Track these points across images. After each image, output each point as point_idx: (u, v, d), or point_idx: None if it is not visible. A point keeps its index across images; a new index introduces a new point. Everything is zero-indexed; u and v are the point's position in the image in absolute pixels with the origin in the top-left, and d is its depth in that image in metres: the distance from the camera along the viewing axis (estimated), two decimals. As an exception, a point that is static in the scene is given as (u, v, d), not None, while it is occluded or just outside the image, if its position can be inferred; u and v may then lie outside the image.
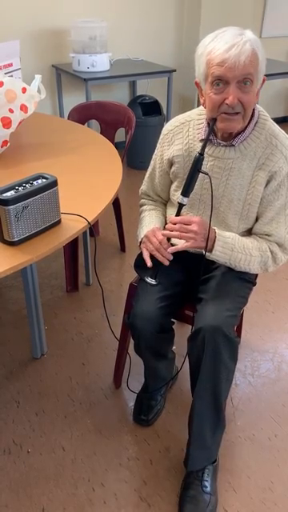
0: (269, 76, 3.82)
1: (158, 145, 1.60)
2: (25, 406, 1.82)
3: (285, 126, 5.10)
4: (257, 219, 1.49)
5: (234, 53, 1.21)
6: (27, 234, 1.30)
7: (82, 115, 2.68)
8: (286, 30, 4.70)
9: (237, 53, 1.21)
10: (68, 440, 1.69)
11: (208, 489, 1.48)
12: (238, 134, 1.40)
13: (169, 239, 1.45)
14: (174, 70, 3.84)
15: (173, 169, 1.54)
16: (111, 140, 2.54)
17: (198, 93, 1.39)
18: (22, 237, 1.29)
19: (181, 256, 1.52)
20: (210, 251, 1.42)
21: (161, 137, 1.58)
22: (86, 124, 2.70)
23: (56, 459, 1.63)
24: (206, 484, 1.48)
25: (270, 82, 4.50)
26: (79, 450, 1.66)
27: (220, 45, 1.24)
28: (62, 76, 3.86)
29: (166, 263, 1.44)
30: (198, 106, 1.51)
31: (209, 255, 1.43)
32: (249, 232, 1.53)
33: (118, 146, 2.25)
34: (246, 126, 1.39)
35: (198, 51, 1.31)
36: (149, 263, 1.46)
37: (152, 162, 1.64)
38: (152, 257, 1.47)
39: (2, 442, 1.68)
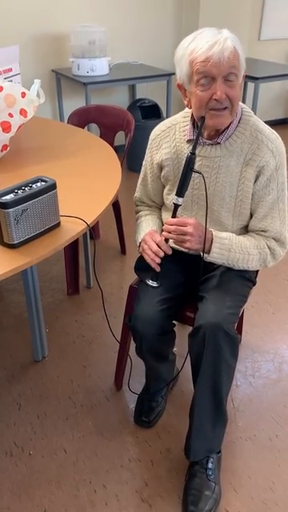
0: (267, 78, 3.85)
1: (147, 150, 1.63)
2: (26, 409, 1.82)
3: (284, 127, 5.13)
4: (252, 215, 1.50)
5: (217, 49, 1.24)
6: (27, 237, 1.31)
7: (81, 119, 2.69)
8: (284, 32, 4.72)
9: (220, 49, 1.24)
10: (69, 442, 1.70)
11: (212, 477, 1.49)
12: (223, 131, 1.41)
13: (167, 240, 1.46)
14: (173, 74, 3.83)
15: (163, 172, 1.56)
16: (111, 143, 2.55)
17: (182, 97, 1.41)
18: (22, 239, 1.30)
19: (180, 258, 1.54)
20: (208, 253, 1.43)
21: (149, 142, 1.61)
22: (86, 128, 2.72)
23: (57, 461, 1.63)
24: (210, 472, 1.50)
25: (270, 84, 4.54)
26: (81, 452, 1.66)
27: (202, 43, 1.26)
28: (61, 80, 3.88)
29: (169, 252, 1.45)
30: (185, 109, 1.53)
31: (206, 257, 1.44)
32: (245, 229, 1.54)
33: (117, 149, 2.27)
34: (230, 123, 1.41)
35: (177, 54, 1.34)
36: (157, 268, 1.47)
37: (143, 168, 1.66)
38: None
39: (4, 445, 1.69)
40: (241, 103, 1.45)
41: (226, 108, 1.33)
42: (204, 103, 1.32)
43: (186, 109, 1.50)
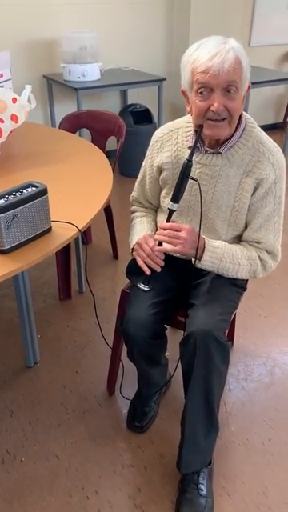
0: (258, 84, 3.88)
1: (147, 152, 1.62)
2: (18, 415, 1.81)
3: (274, 133, 5.17)
4: (246, 226, 1.51)
5: (217, 61, 1.24)
6: (18, 242, 1.31)
7: (73, 124, 2.70)
8: (273, 38, 4.77)
9: (220, 60, 1.24)
10: (62, 448, 1.69)
11: (204, 492, 1.48)
12: (225, 141, 1.42)
13: (160, 244, 1.46)
14: (165, 79, 3.88)
15: (162, 176, 1.56)
16: (102, 148, 2.56)
17: (185, 102, 1.41)
18: (13, 245, 1.30)
19: (172, 262, 1.54)
20: (199, 259, 1.43)
21: (150, 144, 1.60)
22: (78, 133, 2.72)
23: (50, 467, 1.62)
24: (202, 487, 1.48)
25: (259, 89, 4.57)
26: (73, 458, 1.65)
27: (204, 53, 1.26)
28: (53, 86, 3.89)
29: (158, 269, 1.46)
30: (188, 114, 1.53)
31: (197, 264, 1.44)
32: (238, 238, 1.54)
33: (109, 154, 2.27)
34: (233, 134, 1.41)
35: (183, 60, 1.34)
36: (147, 271, 1.47)
37: (142, 169, 1.66)
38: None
39: (-4, 452, 1.67)
40: (245, 113, 1.45)
41: (224, 119, 1.32)
42: (202, 113, 1.32)
43: (189, 114, 1.50)
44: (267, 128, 5.22)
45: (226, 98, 1.29)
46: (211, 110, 1.30)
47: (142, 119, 3.91)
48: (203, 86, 1.28)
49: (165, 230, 1.40)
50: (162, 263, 1.46)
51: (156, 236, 1.43)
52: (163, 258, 1.46)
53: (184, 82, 1.35)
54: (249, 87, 1.35)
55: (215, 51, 1.25)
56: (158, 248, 1.44)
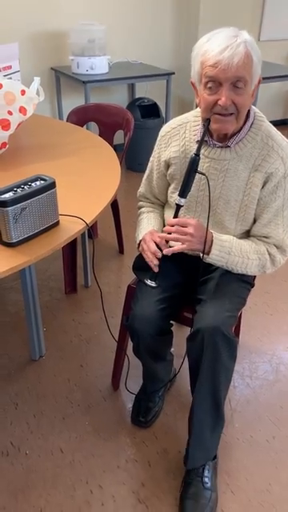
0: (267, 79, 3.84)
1: (155, 147, 1.61)
2: (23, 408, 1.82)
3: (283, 128, 5.12)
4: (254, 221, 1.49)
5: (227, 55, 1.22)
6: (25, 236, 1.30)
7: (80, 117, 2.68)
8: (284, 33, 4.72)
9: (230, 55, 1.22)
10: (66, 442, 1.69)
11: (208, 484, 1.49)
12: (234, 134, 1.40)
13: (167, 241, 1.46)
14: (173, 73, 3.86)
15: (170, 170, 1.55)
16: (110, 142, 2.54)
17: (195, 94, 1.40)
18: (21, 238, 1.29)
19: (179, 258, 1.53)
20: (208, 254, 1.42)
21: (158, 139, 1.59)
22: (85, 126, 2.71)
23: (54, 461, 1.62)
24: (207, 480, 1.49)
25: (268, 84, 4.54)
26: (77, 452, 1.66)
27: (214, 46, 1.25)
28: (61, 78, 3.87)
29: (156, 269, 1.44)
30: (197, 108, 1.52)
31: (206, 258, 1.43)
32: (247, 234, 1.53)
33: (116, 148, 2.26)
34: (242, 127, 1.39)
35: (194, 51, 1.32)
36: (155, 269, 1.46)
37: (149, 164, 1.65)
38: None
39: (0, 444, 1.68)
40: (254, 107, 1.43)
41: (232, 114, 1.31)
42: (209, 106, 1.31)
43: (198, 108, 1.49)
44: (276, 124, 5.14)
45: (233, 93, 1.28)
46: (219, 104, 1.29)
47: (150, 113, 3.89)
48: (211, 80, 1.27)
49: (172, 226, 1.39)
50: (169, 253, 1.44)
51: (163, 234, 1.43)
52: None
53: (193, 74, 1.34)
54: (259, 81, 1.34)
55: (225, 45, 1.23)
56: (167, 251, 1.42)
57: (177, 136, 1.52)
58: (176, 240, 1.39)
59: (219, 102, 1.28)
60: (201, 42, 1.30)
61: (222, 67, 1.23)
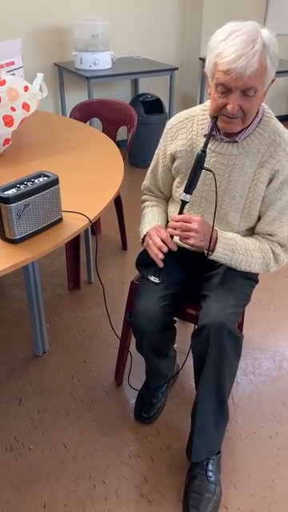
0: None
1: (161, 140, 1.60)
2: (26, 404, 1.83)
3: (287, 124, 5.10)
4: (259, 218, 1.49)
5: (240, 64, 1.20)
6: (29, 232, 1.31)
7: (83, 113, 2.68)
8: (288, 28, 4.68)
9: (243, 65, 1.20)
10: (69, 437, 1.70)
11: (212, 478, 1.50)
12: (242, 130, 1.39)
13: (172, 236, 1.45)
14: (177, 69, 3.84)
15: (175, 164, 1.54)
16: (113, 138, 2.54)
17: (207, 85, 1.38)
18: (24, 235, 1.30)
19: (182, 255, 1.53)
20: (212, 251, 1.42)
21: (164, 131, 1.58)
22: (88, 122, 2.70)
23: (57, 456, 1.63)
24: (211, 474, 1.50)
25: (273, 80, 4.52)
26: (80, 447, 1.67)
27: (230, 51, 1.21)
28: (64, 74, 3.86)
29: (161, 264, 1.44)
30: (204, 102, 1.51)
31: (210, 255, 1.43)
32: (251, 231, 1.53)
33: (120, 144, 2.25)
34: (250, 123, 1.39)
35: (210, 43, 1.29)
36: (160, 264, 1.45)
37: (155, 157, 1.64)
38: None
39: (4, 439, 1.69)
40: (263, 104, 1.42)
41: (238, 117, 1.31)
42: (218, 108, 1.31)
43: (206, 102, 1.47)
44: (281, 119, 5.13)
45: (242, 99, 1.27)
46: (226, 109, 1.28)
47: (153, 109, 3.88)
48: (222, 85, 1.26)
49: (176, 222, 1.39)
50: (175, 247, 1.44)
51: (168, 230, 1.42)
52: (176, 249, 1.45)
53: (207, 66, 1.32)
54: (273, 81, 1.32)
55: (241, 52, 1.20)
56: (173, 245, 1.42)
57: (184, 129, 1.51)
58: (181, 236, 1.39)
59: (227, 107, 1.28)
60: (218, 38, 1.26)
61: (234, 76, 1.22)
